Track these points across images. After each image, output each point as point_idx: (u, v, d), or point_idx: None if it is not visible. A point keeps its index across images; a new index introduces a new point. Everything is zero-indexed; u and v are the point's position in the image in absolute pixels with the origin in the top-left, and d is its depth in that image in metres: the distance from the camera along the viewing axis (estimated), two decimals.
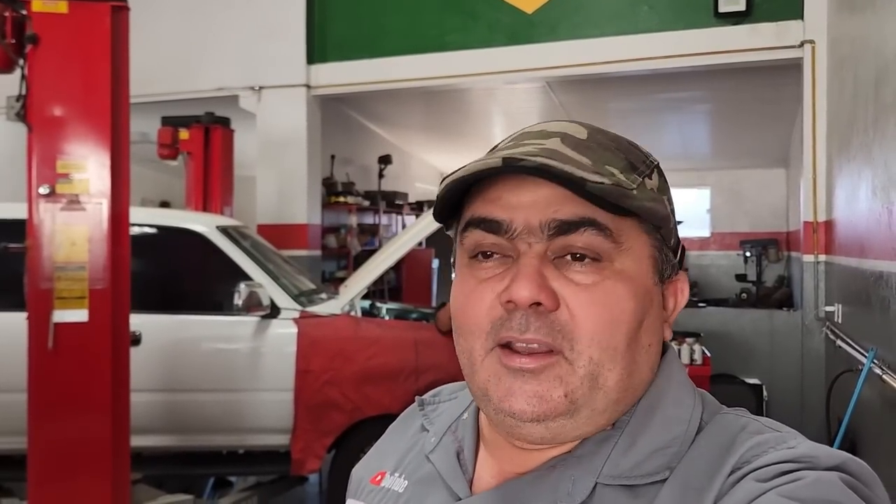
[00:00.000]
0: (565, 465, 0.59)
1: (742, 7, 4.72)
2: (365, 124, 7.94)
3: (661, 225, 0.61)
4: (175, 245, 3.83)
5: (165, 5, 6.03)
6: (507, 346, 0.58)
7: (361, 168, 8.42)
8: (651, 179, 0.62)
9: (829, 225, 4.47)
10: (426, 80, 5.63)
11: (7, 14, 2.50)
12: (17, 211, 3.02)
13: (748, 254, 9.96)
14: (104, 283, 2.57)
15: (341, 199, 7.45)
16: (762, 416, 0.62)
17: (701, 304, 7.03)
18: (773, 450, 0.54)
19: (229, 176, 5.47)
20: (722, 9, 4.76)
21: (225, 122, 5.42)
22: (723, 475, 0.54)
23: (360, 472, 0.78)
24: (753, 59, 4.80)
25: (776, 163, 9.89)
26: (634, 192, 0.58)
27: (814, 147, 4.60)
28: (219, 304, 3.71)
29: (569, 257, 0.58)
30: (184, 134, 5.30)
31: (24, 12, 2.54)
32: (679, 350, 4.42)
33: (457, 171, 0.58)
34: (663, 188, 0.64)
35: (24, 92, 2.57)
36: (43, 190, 2.54)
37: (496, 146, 0.67)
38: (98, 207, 2.57)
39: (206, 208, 5.25)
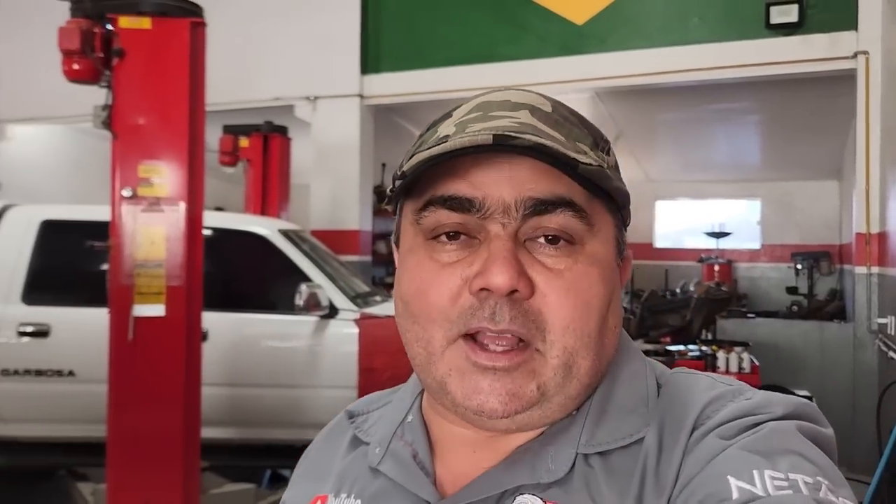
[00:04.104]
0: (540, 443, 0.57)
1: (794, 18, 4.71)
2: (415, 133, 8.04)
3: (624, 205, 0.59)
4: (239, 247, 4.02)
5: (226, 19, 6.25)
6: (472, 338, 0.54)
7: None
8: (609, 156, 0.60)
9: (882, 237, 4.43)
10: (476, 91, 5.72)
11: (97, 30, 2.69)
12: (97, 213, 3.25)
13: (800, 266, 9.81)
14: (180, 280, 2.73)
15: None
16: None
17: (750, 315, 6.98)
18: (731, 403, 0.55)
19: (286, 182, 5.67)
20: (774, 20, 4.76)
21: (283, 131, 5.63)
22: (686, 432, 0.54)
23: (291, 501, 0.70)
24: (806, 71, 4.79)
25: (829, 174, 9.73)
26: (608, 171, 0.56)
27: (867, 158, 4.57)
28: (280, 303, 3.87)
29: (542, 239, 0.55)
30: (244, 142, 5.52)
31: (112, 28, 2.73)
32: (727, 358, 4.44)
33: (432, 146, 0.53)
34: (618, 166, 0.62)
35: (109, 102, 2.77)
36: (126, 193, 2.72)
37: (450, 113, 0.63)
38: (175, 209, 2.75)
39: (264, 213, 5.45)
